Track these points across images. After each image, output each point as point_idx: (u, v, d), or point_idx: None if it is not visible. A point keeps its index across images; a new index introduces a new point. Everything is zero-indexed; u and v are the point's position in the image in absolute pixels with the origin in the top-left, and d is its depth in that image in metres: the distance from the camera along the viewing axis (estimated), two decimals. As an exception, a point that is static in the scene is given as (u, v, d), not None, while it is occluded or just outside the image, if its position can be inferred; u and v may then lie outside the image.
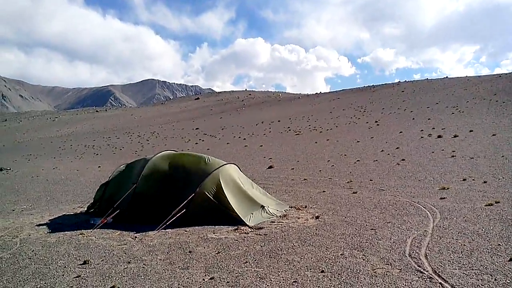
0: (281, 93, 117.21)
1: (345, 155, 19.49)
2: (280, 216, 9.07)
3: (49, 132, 70.91)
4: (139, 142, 40.32)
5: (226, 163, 9.94)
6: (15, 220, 10.22)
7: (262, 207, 9.19)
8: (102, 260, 6.59)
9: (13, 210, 11.79)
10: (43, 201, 13.30)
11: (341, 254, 6.28)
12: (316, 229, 7.81)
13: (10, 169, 10.62)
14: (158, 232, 8.19)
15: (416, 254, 6.08)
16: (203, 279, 5.56)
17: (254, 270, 5.79)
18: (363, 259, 6.01)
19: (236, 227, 8.23)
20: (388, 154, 18.49)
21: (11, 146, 51.12)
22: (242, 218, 8.54)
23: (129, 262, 6.43)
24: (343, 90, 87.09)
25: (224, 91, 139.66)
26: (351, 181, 13.15)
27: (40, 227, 9.37)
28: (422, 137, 22.38)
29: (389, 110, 40.14)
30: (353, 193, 11.26)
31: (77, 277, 5.88)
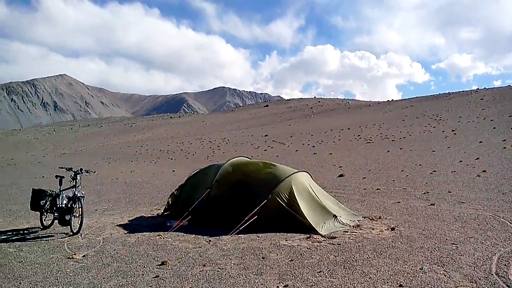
0: (351, 100, 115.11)
1: (420, 165, 18.68)
2: (353, 226, 8.86)
3: (127, 137, 74.85)
4: (210, 147, 41.34)
5: (298, 170, 9.91)
6: (97, 220, 10.86)
7: (335, 216, 9.04)
8: (179, 262, 6.81)
9: (96, 210, 12.53)
10: (123, 202, 14.02)
11: (420, 269, 6.00)
12: (392, 241, 7.54)
13: (94, 172, 11.32)
14: (231, 236, 8.33)
15: (504, 273, 5.67)
16: (277, 286, 5.56)
17: (329, 280, 5.70)
18: (445, 275, 5.71)
19: (308, 235, 8.16)
20: (467, 164, 17.46)
21: (93, 150, 54.52)
22: (315, 227, 8.46)
23: (204, 265, 6.59)
24: (416, 97, 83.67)
25: (293, 99, 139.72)
26: (427, 192, 12.57)
27: (120, 227, 9.88)
28: (504, 148, 20.90)
29: (467, 118, 37.98)
30: (431, 205, 10.75)
31: (156, 277, 6.12)
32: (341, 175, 17.49)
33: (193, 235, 8.63)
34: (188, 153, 38.27)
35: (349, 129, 42.63)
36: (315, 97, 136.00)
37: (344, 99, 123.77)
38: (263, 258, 6.85)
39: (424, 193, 12.48)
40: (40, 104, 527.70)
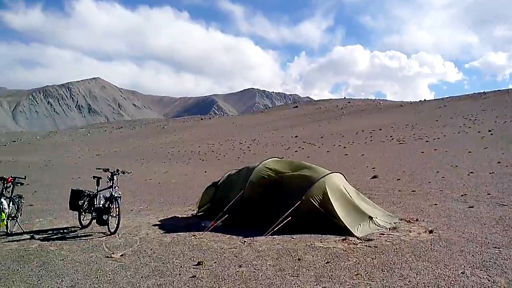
0: (382, 100, 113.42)
1: (456, 166, 18.22)
2: (389, 229, 8.71)
3: (159, 139, 76.07)
4: (240, 149, 41.55)
5: (331, 171, 9.82)
6: (133, 220, 11.06)
7: (370, 218, 8.90)
8: (214, 262, 6.85)
9: (131, 210, 12.77)
10: (157, 202, 14.25)
11: (461, 273, 5.84)
12: (431, 244, 7.36)
13: (130, 172, 11.53)
14: (266, 237, 8.32)
15: (552, 279, 5.44)
16: (315, 288, 5.52)
17: (367, 283, 5.61)
18: (488, 280, 5.53)
19: (343, 237, 8.07)
20: (506, 166, 16.93)
21: (126, 151, 55.70)
22: (350, 229, 8.35)
23: (240, 266, 6.60)
24: (449, 97, 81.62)
25: (322, 99, 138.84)
26: (465, 194, 12.24)
27: (156, 227, 10.03)
28: (547, 148, 20.15)
29: (504, 118, 36.82)
30: (469, 207, 10.45)
31: (192, 277, 6.17)
32: (374, 177, 17.24)
33: (228, 236, 8.68)
34: (219, 154, 38.58)
35: (381, 129, 42.00)
36: (345, 97, 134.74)
37: (375, 99, 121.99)
38: (298, 259, 6.81)
39: (462, 195, 12.16)
40: (75, 107, 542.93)
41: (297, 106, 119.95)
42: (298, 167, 10.22)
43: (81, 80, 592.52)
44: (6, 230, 9.24)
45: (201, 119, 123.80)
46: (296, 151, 33.89)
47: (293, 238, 8.23)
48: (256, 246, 7.76)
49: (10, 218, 9.26)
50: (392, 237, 8.02)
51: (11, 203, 9.26)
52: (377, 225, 8.76)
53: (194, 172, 25.35)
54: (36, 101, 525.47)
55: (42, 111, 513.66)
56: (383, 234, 8.29)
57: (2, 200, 8.80)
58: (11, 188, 9.34)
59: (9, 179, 9.25)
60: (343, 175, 10.33)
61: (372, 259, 6.68)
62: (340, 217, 8.61)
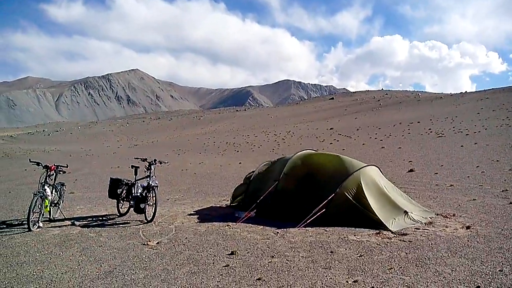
0: (420, 92, 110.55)
1: (497, 161, 17.58)
2: (425, 223, 8.55)
3: (195, 130, 77.13)
4: (275, 140, 41.54)
5: (367, 164, 9.72)
6: (169, 209, 11.34)
7: (405, 212, 8.77)
8: (247, 252, 6.95)
9: (168, 199, 13.08)
10: (192, 192, 14.52)
11: (499, 270, 5.69)
12: (468, 240, 7.19)
13: (167, 162, 11.82)
14: (299, 229, 8.36)
15: None
16: (347, 281, 5.52)
17: (400, 278, 5.56)
18: (528, 279, 5.37)
19: (377, 231, 8.00)
20: (553, 161, 16.21)
21: (163, 142, 56.80)
22: (384, 222, 8.26)
23: (272, 257, 6.67)
24: (492, 89, 78.46)
25: (359, 91, 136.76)
26: (506, 190, 11.82)
27: (191, 216, 10.26)
28: None
29: (553, 111, 35.15)
30: (510, 203, 10.10)
31: (226, 266, 6.29)
32: (411, 170, 16.91)
33: (261, 227, 8.77)
34: (254, 145, 38.73)
35: (419, 122, 40.98)
36: (382, 89, 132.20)
37: (414, 91, 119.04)
38: (331, 252, 6.81)
39: (503, 190, 11.76)
40: (115, 98, 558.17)
41: (333, 98, 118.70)
42: (332, 159, 10.17)
43: (121, 72, 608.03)
44: (49, 216, 9.69)
45: (237, 110, 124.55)
46: (331, 143, 33.58)
47: (326, 231, 8.23)
48: (289, 238, 7.81)
49: (53, 205, 9.70)
50: (427, 232, 7.88)
51: (54, 190, 9.68)
52: (412, 220, 8.62)
53: (229, 163, 25.59)
54: (77, 92, 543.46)
55: (83, 101, 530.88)
56: (418, 229, 8.15)
57: (46, 187, 9.21)
58: (54, 176, 9.75)
59: (52, 168, 9.66)
60: (378, 168, 10.20)
61: (406, 253, 6.60)
62: (374, 211, 8.53)
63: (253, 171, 11.78)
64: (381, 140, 31.75)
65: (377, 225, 8.29)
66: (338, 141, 34.73)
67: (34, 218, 8.88)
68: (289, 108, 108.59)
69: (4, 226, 9.45)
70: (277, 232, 8.25)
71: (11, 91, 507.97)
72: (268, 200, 9.71)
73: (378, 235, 7.81)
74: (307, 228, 8.39)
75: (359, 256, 6.57)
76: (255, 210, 9.67)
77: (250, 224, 9.00)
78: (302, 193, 9.56)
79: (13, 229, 9.01)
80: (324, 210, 8.64)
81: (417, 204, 9.86)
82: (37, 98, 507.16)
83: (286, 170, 10.03)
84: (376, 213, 8.50)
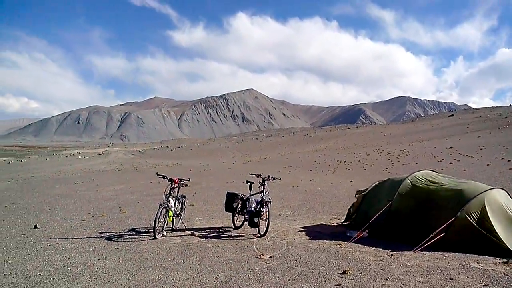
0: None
1: None
2: None
3: (306, 147, 77.45)
4: (388, 159, 39.98)
5: (492, 187, 8.96)
6: (281, 224, 11.57)
7: (539, 241, 7.89)
8: (360, 273, 6.83)
9: (279, 215, 13.34)
10: (303, 209, 14.62)
11: None
12: None
13: (280, 179, 12.12)
14: (415, 252, 7.98)
15: None
16: (469, 311, 5.15)
17: (532, 313, 5.04)
18: None
19: (505, 260, 7.31)
20: None
21: (275, 158, 57.93)
22: (513, 251, 7.53)
23: (386, 279, 6.47)
24: None
25: (483, 107, 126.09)
26: None
27: (302, 232, 10.35)
28: None
29: None
30: None
31: (337, 285, 6.25)
32: (547, 195, 15.10)
33: (374, 248, 8.54)
34: (366, 164, 37.70)
35: (557, 141, 36.45)
36: (510, 105, 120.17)
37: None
38: (451, 279, 6.40)
39: None
40: (230, 116, 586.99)
41: (452, 115, 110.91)
42: (452, 181, 9.58)
43: (237, 92, 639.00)
44: (171, 226, 10.53)
45: (348, 128, 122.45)
46: (450, 163, 31.34)
47: (445, 256, 7.74)
48: (404, 261, 7.50)
49: (175, 215, 10.53)
50: None
51: (176, 202, 10.51)
52: (547, 250, 7.73)
53: (340, 182, 25.25)
54: (197, 111, 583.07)
55: (202, 120, 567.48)
56: (556, 261, 7.28)
57: (170, 199, 10.04)
58: (177, 188, 10.59)
59: (176, 181, 10.50)
60: (506, 191, 9.34)
61: (540, 287, 5.95)
62: (501, 238, 7.83)
63: (366, 188, 11.55)
64: (508, 160, 28.84)
65: (505, 253, 7.59)
66: (458, 161, 32.31)
67: (159, 227, 9.74)
68: (403, 126, 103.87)
69: (134, 233, 10.50)
70: (391, 254, 7.97)
71: (140, 111, 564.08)
72: (381, 220, 9.43)
73: (506, 264, 7.14)
74: (424, 252, 7.98)
75: (483, 285, 6.09)
76: (367, 230, 9.45)
77: (362, 245, 8.81)
78: (418, 214, 9.12)
79: (141, 236, 9.97)
80: (443, 234, 8.14)
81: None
82: (162, 117, 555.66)
83: (401, 190, 9.67)
84: (504, 240, 7.79)
